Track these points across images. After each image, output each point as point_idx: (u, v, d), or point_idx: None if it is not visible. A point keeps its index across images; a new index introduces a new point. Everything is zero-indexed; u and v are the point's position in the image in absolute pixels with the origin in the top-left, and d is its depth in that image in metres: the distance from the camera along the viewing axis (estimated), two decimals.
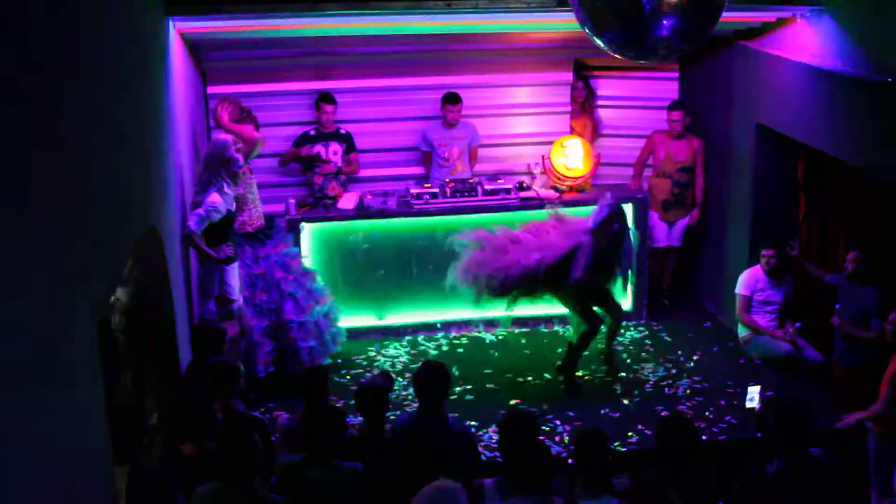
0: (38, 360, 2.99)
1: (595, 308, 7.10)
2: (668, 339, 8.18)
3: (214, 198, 6.36)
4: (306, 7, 6.61)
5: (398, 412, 6.44)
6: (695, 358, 7.76)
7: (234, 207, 6.67)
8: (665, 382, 7.33)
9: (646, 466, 5.20)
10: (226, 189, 6.46)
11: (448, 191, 8.08)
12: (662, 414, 6.74)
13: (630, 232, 7.12)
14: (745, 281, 7.54)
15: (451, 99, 8.47)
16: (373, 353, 7.86)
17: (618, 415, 6.84)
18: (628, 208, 8.18)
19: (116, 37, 4.56)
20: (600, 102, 9.31)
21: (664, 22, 4.80)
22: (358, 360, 7.71)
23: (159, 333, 5.57)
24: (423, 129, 8.72)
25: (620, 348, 7.88)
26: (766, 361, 7.49)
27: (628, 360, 7.70)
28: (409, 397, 6.76)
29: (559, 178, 8.35)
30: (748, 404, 5.43)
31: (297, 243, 7.70)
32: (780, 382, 7.20)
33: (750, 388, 5.50)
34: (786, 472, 4.47)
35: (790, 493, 4.50)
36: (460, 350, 7.96)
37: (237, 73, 8.37)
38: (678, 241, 8.66)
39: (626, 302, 8.16)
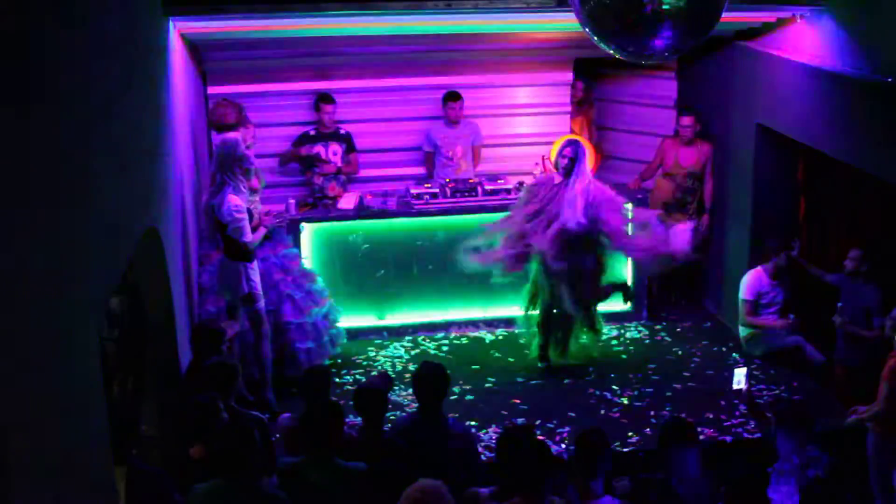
0: (39, 361, 2.99)
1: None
2: (668, 339, 8.18)
3: (233, 199, 6.37)
4: (306, 7, 6.61)
5: (398, 413, 6.45)
6: (695, 358, 7.76)
7: (250, 205, 6.66)
8: (665, 382, 7.32)
9: (646, 468, 5.21)
10: (241, 188, 6.48)
11: (448, 191, 8.08)
12: (664, 415, 6.75)
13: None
14: (749, 285, 7.48)
15: (452, 96, 8.49)
16: (373, 354, 7.86)
17: (617, 415, 6.83)
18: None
19: (116, 37, 4.56)
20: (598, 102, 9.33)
21: (664, 22, 4.80)
22: (358, 361, 7.71)
23: (158, 335, 5.58)
24: (426, 130, 8.72)
25: (620, 348, 7.89)
26: (770, 358, 7.47)
27: (624, 358, 7.71)
28: (409, 398, 6.76)
29: None
30: (735, 386, 5.56)
31: (296, 244, 7.69)
32: (782, 381, 7.22)
33: (736, 371, 5.62)
34: (787, 472, 4.48)
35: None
36: (460, 350, 7.95)
37: (237, 73, 8.37)
38: (683, 245, 8.60)
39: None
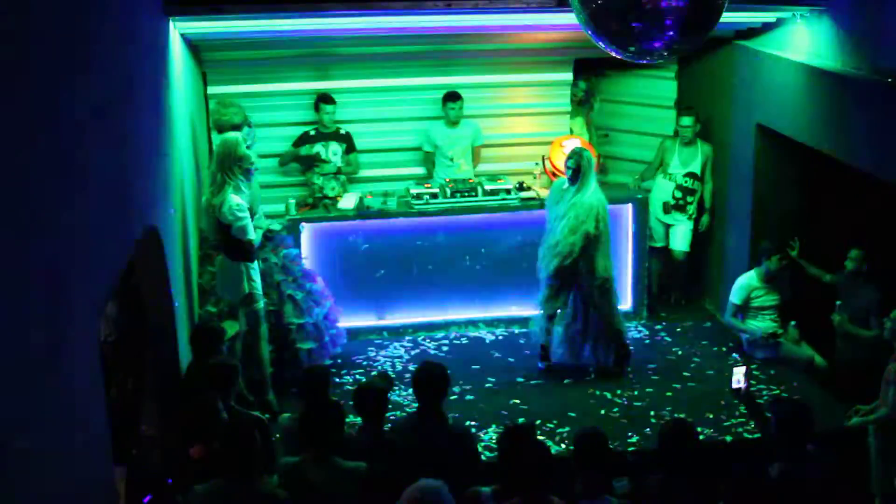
0: (39, 360, 2.99)
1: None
2: (668, 339, 8.18)
3: (234, 199, 6.36)
4: (306, 7, 6.61)
5: (398, 413, 6.45)
6: (695, 358, 7.76)
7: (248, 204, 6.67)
8: (665, 382, 7.32)
9: (646, 468, 5.21)
10: (242, 188, 6.48)
11: (448, 191, 8.08)
12: (664, 415, 6.75)
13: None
14: (738, 288, 7.51)
15: (452, 97, 8.49)
16: (373, 353, 7.86)
17: (617, 415, 6.83)
18: (628, 208, 8.21)
19: (117, 37, 4.56)
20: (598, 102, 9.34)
21: (664, 22, 4.80)
22: (358, 361, 7.71)
23: (158, 335, 5.58)
24: (426, 130, 8.72)
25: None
26: (772, 361, 7.47)
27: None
28: (409, 398, 6.76)
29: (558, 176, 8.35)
30: (734, 385, 5.58)
31: (296, 244, 7.69)
32: (782, 381, 7.21)
33: (735, 370, 5.64)
34: (788, 474, 4.48)
35: (792, 493, 4.51)
36: (460, 350, 7.95)
37: (237, 73, 8.37)
38: (683, 245, 8.61)
39: (626, 301, 8.20)
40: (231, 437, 4.23)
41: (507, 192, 8.12)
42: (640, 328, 8.31)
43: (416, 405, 5.05)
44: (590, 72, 9.19)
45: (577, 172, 7.08)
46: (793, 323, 7.38)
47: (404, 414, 6.42)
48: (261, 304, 6.69)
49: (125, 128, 4.65)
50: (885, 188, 6.55)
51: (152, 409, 5.44)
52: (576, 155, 7.17)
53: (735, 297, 7.51)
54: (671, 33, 4.80)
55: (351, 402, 5.08)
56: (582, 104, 9.16)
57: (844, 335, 6.82)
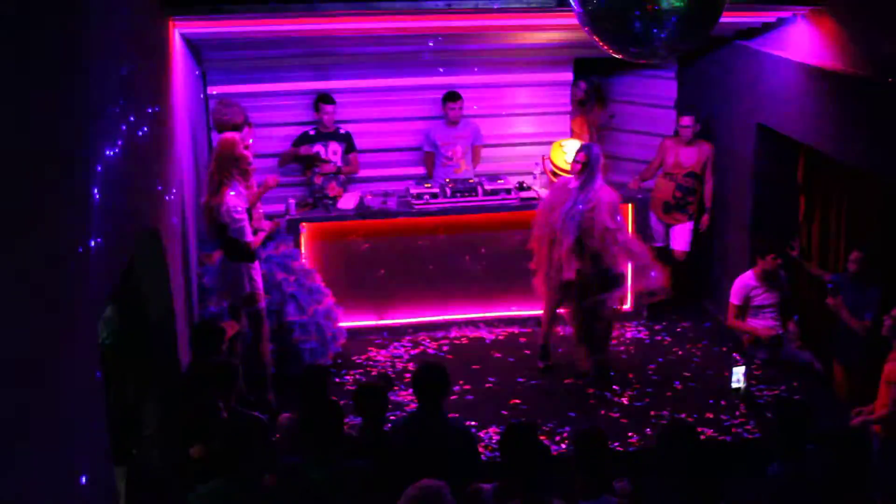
0: (38, 360, 2.99)
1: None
2: (668, 338, 8.18)
3: (231, 200, 6.36)
4: (306, 7, 6.61)
5: (398, 413, 6.45)
6: (695, 358, 7.77)
7: (247, 204, 6.67)
8: (665, 382, 7.32)
9: (646, 468, 5.21)
10: (240, 188, 6.47)
11: (448, 191, 8.08)
12: (664, 415, 6.75)
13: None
14: (737, 290, 7.51)
15: (452, 97, 8.50)
16: (373, 353, 7.86)
17: (617, 415, 6.83)
18: (628, 208, 8.21)
19: (116, 36, 4.56)
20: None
21: (664, 22, 4.80)
22: (358, 360, 7.71)
23: (158, 335, 5.57)
24: (426, 130, 8.73)
25: (622, 348, 7.88)
26: (772, 361, 7.47)
27: (624, 358, 7.71)
28: (409, 398, 6.75)
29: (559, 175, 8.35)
30: (734, 385, 5.57)
31: (297, 244, 7.70)
32: (782, 381, 7.21)
33: (735, 369, 5.64)
34: (788, 473, 4.48)
35: (792, 493, 4.51)
36: (460, 350, 7.95)
37: (237, 73, 8.38)
38: (683, 245, 8.61)
39: (626, 301, 8.20)
40: (231, 437, 4.23)
41: (507, 191, 8.13)
42: (640, 328, 8.31)
43: (416, 405, 5.05)
44: (593, 72, 9.20)
45: (584, 167, 7.06)
46: (795, 318, 7.37)
47: (404, 414, 6.42)
48: (263, 303, 6.69)
49: (125, 128, 4.65)
50: (885, 188, 6.55)
51: (152, 409, 5.44)
52: (585, 148, 7.17)
53: (734, 298, 7.51)
54: (670, 32, 4.81)
55: (351, 402, 5.08)
56: (584, 104, 9.17)
57: (842, 334, 6.80)
